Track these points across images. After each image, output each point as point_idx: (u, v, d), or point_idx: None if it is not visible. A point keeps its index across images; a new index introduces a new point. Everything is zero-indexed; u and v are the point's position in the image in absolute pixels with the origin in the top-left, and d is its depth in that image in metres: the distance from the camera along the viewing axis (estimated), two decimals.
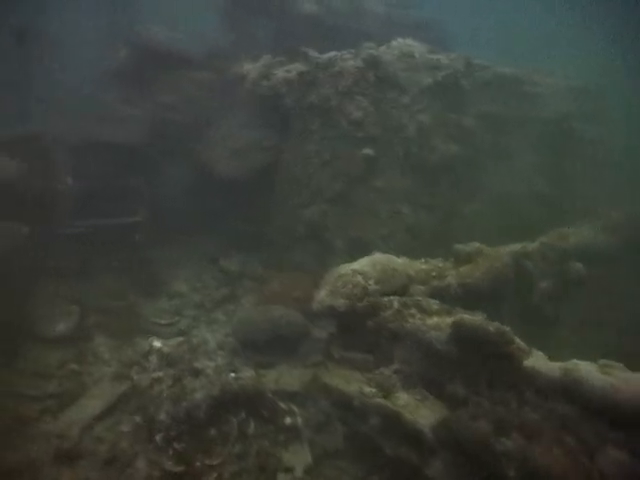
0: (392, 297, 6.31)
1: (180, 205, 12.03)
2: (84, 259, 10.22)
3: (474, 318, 5.35)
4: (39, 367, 8.46)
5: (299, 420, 6.22)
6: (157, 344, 7.02)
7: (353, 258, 7.88)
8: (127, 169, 11.41)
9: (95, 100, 12.40)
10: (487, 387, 4.87)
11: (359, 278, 6.47)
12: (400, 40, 11.66)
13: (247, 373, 6.41)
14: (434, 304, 6.12)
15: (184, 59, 12.91)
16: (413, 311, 6.02)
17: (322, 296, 6.52)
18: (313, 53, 11.58)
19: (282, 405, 6.31)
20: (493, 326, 5.06)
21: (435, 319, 5.76)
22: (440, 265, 7.32)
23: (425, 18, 17.96)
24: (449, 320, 5.54)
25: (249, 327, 8.23)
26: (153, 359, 6.81)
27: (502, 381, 4.88)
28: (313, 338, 8.61)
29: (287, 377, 7.68)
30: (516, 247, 8.49)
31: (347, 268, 6.76)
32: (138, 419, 6.52)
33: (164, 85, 12.56)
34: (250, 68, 12.75)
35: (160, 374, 6.47)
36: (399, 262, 7.02)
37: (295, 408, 6.38)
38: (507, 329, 5.06)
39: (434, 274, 7.04)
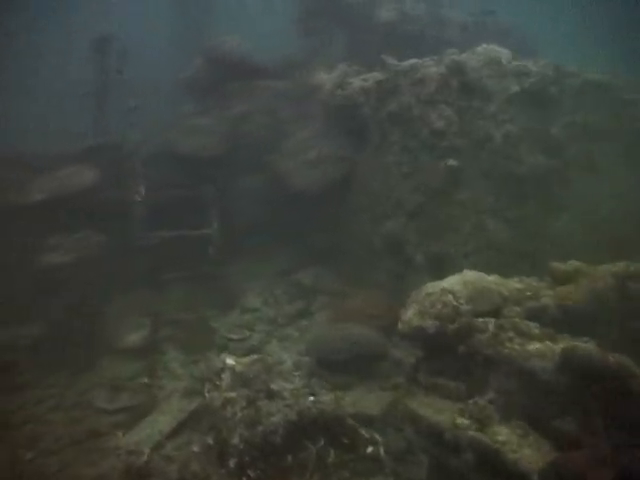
0: (487, 319, 5.73)
1: (253, 217, 11.79)
2: (156, 270, 10.09)
3: (588, 346, 4.72)
4: (111, 379, 8.34)
5: (381, 450, 5.70)
6: (230, 361, 6.69)
7: (434, 275, 7.35)
8: (201, 180, 11.27)
9: (170, 110, 12.42)
10: (605, 427, 4.23)
11: (449, 297, 5.92)
12: (485, 46, 11.06)
13: (326, 397, 5.97)
14: (534, 327, 5.50)
15: (259, 69, 12.77)
16: (511, 335, 5.42)
17: (409, 316, 6.00)
18: (392, 61, 11.14)
19: (363, 432, 5.81)
20: (612, 356, 4.43)
21: (537, 345, 5.15)
22: (535, 284, 6.66)
23: (505, 24, 17.22)
24: (556, 347, 4.93)
25: (325, 346, 7.80)
26: (226, 377, 6.47)
27: (623, 421, 4.24)
28: (392, 359, 8.11)
29: (365, 400, 7.18)
30: (618, 267, 7.70)
31: (436, 286, 6.22)
32: (210, 440, 6.17)
33: (238, 95, 12.42)
34: (325, 77, 12.48)
35: (233, 394, 6.11)
36: (491, 280, 6.42)
37: (377, 436, 5.86)
38: (629, 360, 4.41)
39: (529, 294, 6.39)
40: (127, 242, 10.07)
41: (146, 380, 8.31)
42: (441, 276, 7.02)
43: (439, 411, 5.57)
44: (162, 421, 7.06)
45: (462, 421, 5.08)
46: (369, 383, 7.74)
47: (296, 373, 6.24)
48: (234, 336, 9.46)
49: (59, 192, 9.59)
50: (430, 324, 5.79)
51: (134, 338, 9.10)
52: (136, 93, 10.66)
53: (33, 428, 7.35)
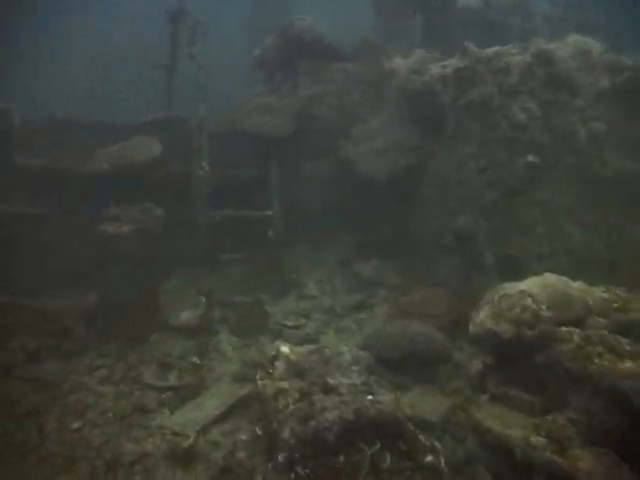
0: (571, 328, 5.19)
1: (317, 202, 11.43)
2: (215, 250, 9.87)
3: None
4: (162, 355, 8.15)
5: (442, 460, 5.25)
6: (285, 349, 6.35)
7: (503, 278, 6.82)
8: (266, 160, 10.99)
9: (239, 88, 12.17)
10: None
11: (528, 301, 5.40)
12: (576, 36, 10.31)
13: (385, 397, 5.54)
14: (626, 344, 4.94)
15: (333, 51, 12.33)
16: (599, 349, 4.87)
17: (482, 318, 5.51)
18: (473, 48, 10.52)
19: (423, 439, 5.36)
20: None
21: (630, 364, 4.59)
22: (623, 295, 6.04)
23: (591, 18, 16.21)
24: None
25: (384, 341, 7.37)
26: (280, 366, 6.13)
27: None
28: (454, 362, 7.63)
29: (423, 404, 6.71)
30: None
31: (513, 288, 5.70)
32: (258, 430, 5.88)
33: (310, 76, 12.04)
34: (401, 63, 11.93)
35: (286, 384, 5.77)
36: (574, 287, 5.85)
37: (438, 445, 5.41)
38: None
39: (616, 305, 5.80)
40: (188, 218, 9.88)
41: (196, 360, 8.08)
42: (511, 279, 6.48)
43: (508, 425, 5.07)
44: (210, 404, 6.79)
45: (537, 440, 4.58)
46: (428, 386, 7.28)
47: (354, 368, 5.83)
48: (289, 323, 9.14)
49: (124, 162, 9.47)
50: (506, 328, 5.29)
51: (187, 316, 8.90)
52: (206, 69, 10.39)
53: (81, 397, 7.22)
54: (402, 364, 7.33)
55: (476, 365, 6.49)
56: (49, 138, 9.69)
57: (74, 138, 9.86)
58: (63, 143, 9.77)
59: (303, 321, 9.31)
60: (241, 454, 5.98)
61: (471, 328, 5.65)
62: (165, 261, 9.32)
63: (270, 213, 10.33)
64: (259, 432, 5.81)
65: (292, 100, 11.68)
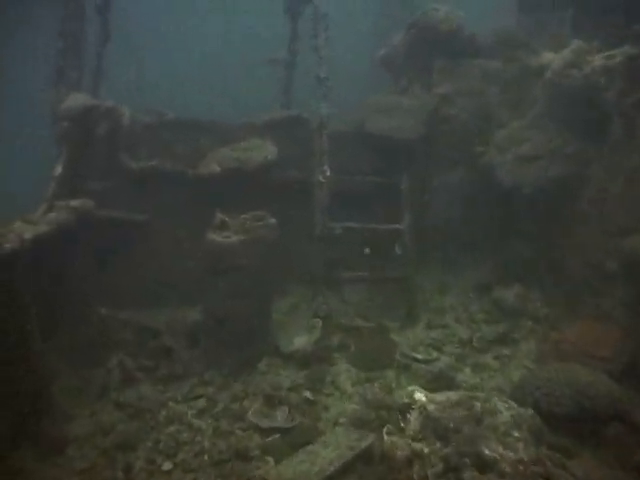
0: None
1: (449, 216, 10.00)
2: (335, 266, 8.65)
3: None
4: (270, 386, 7.01)
5: None
6: (421, 396, 4.96)
7: None
8: (393, 166, 9.71)
9: (365, 86, 11.01)
10: None
11: None
12: None
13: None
14: None
15: (470, 45, 10.85)
16: None
17: None
18: None
19: None
20: None
21: None
22: None
23: None
24: None
25: (544, 392, 5.80)
26: (414, 419, 4.74)
27: None
28: (629, 422, 5.90)
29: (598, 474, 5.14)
30: None
31: None
32: None
33: (443, 74, 10.63)
34: (552, 56, 10.25)
35: (424, 447, 4.37)
36: None
37: None
38: None
39: None
40: (305, 230, 8.79)
41: (309, 395, 6.88)
42: None
43: None
44: (324, 457, 5.51)
45: None
46: (599, 452, 5.64)
47: (516, 434, 4.32)
48: (418, 355, 7.74)
49: (236, 165, 8.57)
50: None
51: (301, 341, 7.75)
52: (328, 65, 9.27)
53: (176, 432, 6.24)
54: (566, 422, 5.75)
55: None
56: (158, 138, 8.98)
57: (184, 139, 9.10)
58: (172, 144, 9.04)
59: (435, 354, 7.87)
60: None
61: None
62: (278, 277, 8.25)
63: (400, 227, 8.98)
64: None
65: (423, 100, 10.32)
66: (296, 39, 10.39)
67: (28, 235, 5.89)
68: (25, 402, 5.66)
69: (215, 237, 7.23)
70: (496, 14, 13.09)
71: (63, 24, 9.45)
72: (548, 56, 10.36)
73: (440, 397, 4.98)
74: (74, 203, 7.71)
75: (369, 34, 16.49)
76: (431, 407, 4.77)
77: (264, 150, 8.84)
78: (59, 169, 8.17)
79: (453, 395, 5.02)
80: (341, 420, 6.39)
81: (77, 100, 8.54)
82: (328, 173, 8.62)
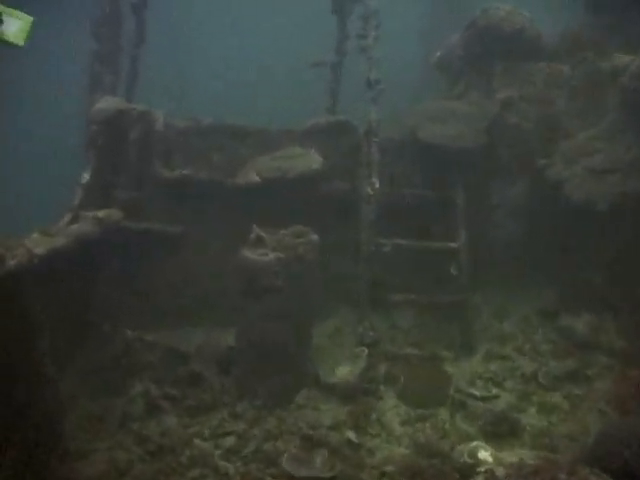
0: None
1: (510, 234, 9.08)
2: (383, 287, 7.81)
3: None
4: (307, 424, 6.21)
5: None
6: (485, 455, 4.10)
7: None
8: (447, 178, 8.85)
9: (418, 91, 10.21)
10: None
11: None
12: None
13: None
14: None
15: (534, 46, 9.93)
16: None
17: None
18: None
19: None
20: None
21: None
22: None
23: None
24: None
25: (637, 451, 4.81)
26: None
27: None
28: None
29: None
30: None
31: None
32: None
33: (504, 78, 9.74)
34: (628, 59, 9.26)
35: None
36: None
37: None
38: None
39: None
40: (351, 246, 8.01)
41: (352, 436, 6.05)
42: None
43: None
44: None
45: None
46: None
47: None
48: (476, 392, 6.84)
49: (276, 176, 7.85)
50: None
51: (345, 372, 6.94)
52: (379, 67, 8.48)
53: (200, 477, 5.50)
54: None
55: None
56: (193, 145, 8.34)
57: (221, 146, 8.43)
58: (208, 151, 8.38)
59: (494, 390, 6.96)
60: None
61: None
62: (320, 298, 7.46)
63: (455, 245, 8.09)
64: None
65: (482, 106, 9.44)
66: (344, 39, 9.64)
67: (40, 250, 5.27)
68: (32, 437, 4.97)
69: (250, 254, 6.50)
70: (559, 14, 12.13)
71: (99, 25, 8.95)
72: (623, 59, 9.37)
73: (510, 457, 4.09)
74: (101, 214, 7.12)
75: (419, 35, 15.70)
76: (500, 472, 3.88)
77: (308, 159, 8.10)
78: (86, 176, 7.62)
79: (527, 455, 4.11)
80: (388, 468, 5.54)
81: (108, 103, 7.98)
82: (377, 185, 7.81)
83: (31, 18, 4.12)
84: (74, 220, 7.07)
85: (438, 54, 11.15)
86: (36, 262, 4.90)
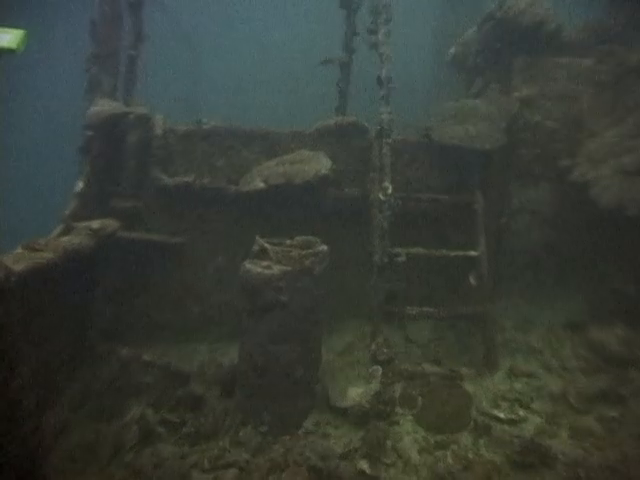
0: None
1: (533, 240, 8.52)
2: (397, 299, 7.25)
3: None
4: (317, 455, 5.68)
5: None
6: None
7: None
8: (468, 183, 8.30)
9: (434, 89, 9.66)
10: None
11: None
12: None
13: None
14: None
15: (556, 40, 9.33)
16: None
17: None
18: None
19: None
20: None
21: None
22: None
23: None
24: None
25: None
26: None
27: None
28: None
29: None
30: None
31: None
32: None
33: (525, 74, 9.15)
34: None
35: None
36: None
37: None
38: None
39: None
40: (363, 256, 7.48)
41: (365, 466, 5.50)
42: None
43: None
44: None
45: None
46: None
47: None
48: (501, 414, 6.25)
49: (282, 181, 7.31)
50: None
51: (357, 393, 6.39)
52: (391, 63, 7.93)
53: None
54: None
55: None
56: (195, 150, 7.84)
57: (224, 150, 7.92)
58: (211, 156, 7.88)
59: (521, 412, 6.36)
60: None
61: None
62: (329, 312, 6.93)
63: (474, 254, 7.52)
64: None
65: (501, 104, 8.85)
66: (353, 36, 9.09)
67: (19, 266, 4.78)
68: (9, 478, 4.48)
69: (252, 267, 5.97)
70: (581, 6, 11.53)
71: (96, 25, 8.49)
72: None
73: None
74: (95, 224, 6.64)
75: (433, 32, 15.13)
76: None
77: (316, 163, 7.56)
78: (80, 185, 7.15)
79: None
80: None
81: (104, 106, 7.51)
82: (390, 190, 7.25)
83: (24, 30, 4.10)
84: (66, 232, 6.61)
85: (452, 50, 10.62)
86: (13, 281, 4.40)
